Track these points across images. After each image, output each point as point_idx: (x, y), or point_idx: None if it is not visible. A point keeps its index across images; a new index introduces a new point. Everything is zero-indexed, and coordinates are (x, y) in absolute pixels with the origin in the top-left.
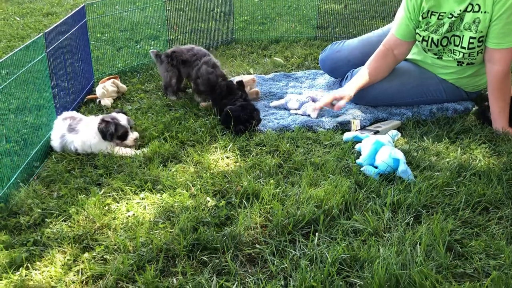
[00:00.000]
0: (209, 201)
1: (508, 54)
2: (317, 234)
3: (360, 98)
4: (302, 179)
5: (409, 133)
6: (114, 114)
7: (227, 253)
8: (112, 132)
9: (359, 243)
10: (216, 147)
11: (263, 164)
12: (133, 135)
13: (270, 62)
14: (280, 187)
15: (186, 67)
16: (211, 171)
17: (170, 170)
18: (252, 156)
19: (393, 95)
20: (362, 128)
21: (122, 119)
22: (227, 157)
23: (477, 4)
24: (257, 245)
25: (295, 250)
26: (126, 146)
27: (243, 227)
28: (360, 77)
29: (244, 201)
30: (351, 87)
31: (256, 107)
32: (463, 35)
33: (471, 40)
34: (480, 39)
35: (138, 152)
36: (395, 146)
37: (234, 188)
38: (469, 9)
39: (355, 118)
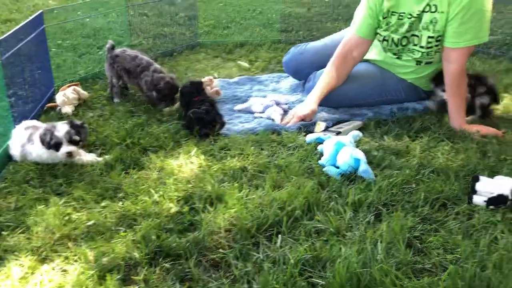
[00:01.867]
0: (172, 208)
1: (463, 53)
2: (280, 236)
3: (323, 101)
4: (266, 182)
5: (370, 133)
6: (58, 123)
7: (190, 259)
8: (48, 141)
9: (321, 243)
10: (179, 153)
11: (227, 168)
12: (66, 149)
13: (235, 66)
14: (244, 190)
15: (132, 78)
16: (175, 177)
17: (132, 177)
18: (217, 161)
19: (354, 96)
20: (325, 129)
21: (61, 130)
22: (191, 162)
23: (434, 5)
24: (220, 250)
25: (258, 253)
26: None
27: (207, 232)
28: (321, 86)
29: (207, 206)
30: (313, 99)
31: (220, 111)
32: (421, 35)
33: (429, 40)
34: (438, 39)
35: (99, 159)
36: (357, 146)
37: (198, 193)
38: (427, 9)
39: (320, 120)
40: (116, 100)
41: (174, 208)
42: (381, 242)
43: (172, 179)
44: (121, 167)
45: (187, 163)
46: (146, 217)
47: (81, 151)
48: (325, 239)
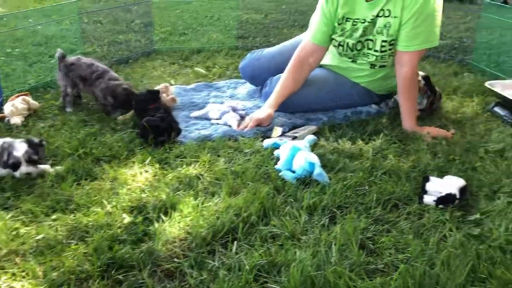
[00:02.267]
0: (125, 218)
1: (415, 57)
2: (235, 242)
3: (279, 106)
4: (222, 189)
5: (326, 137)
6: (15, 141)
7: (144, 270)
8: (5, 161)
9: (276, 248)
10: (134, 162)
11: (182, 176)
12: (25, 169)
13: (192, 73)
14: (199, 198)
15: (87, 86)
16: (128, 186)
17: (85, 188)
18: (172, 169)
19: (309, 101)
20: (282, 134)
21: (19, 149)
22: (146, 171)
23: (388, 10)
24: (175, 259)
25: (214, 261)
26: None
27: (161, 242)
28: (278, 92)
29: (162, 216)
30: (270, 104)
31: (176, 118)
32: (376, 39)
33: (383, 44)
34: (391, 43)
35: (50, 170)
36: (312, 150)
37: (152, 202)
38: (380, 14)
39: (276, 125)
40: (68, 109)
41: (127, 219)
42: (335, 244)
43: (126, 189)
44: (73, 178)
45: (142, 172)
46: (99, 228)
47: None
48: (280, 243)
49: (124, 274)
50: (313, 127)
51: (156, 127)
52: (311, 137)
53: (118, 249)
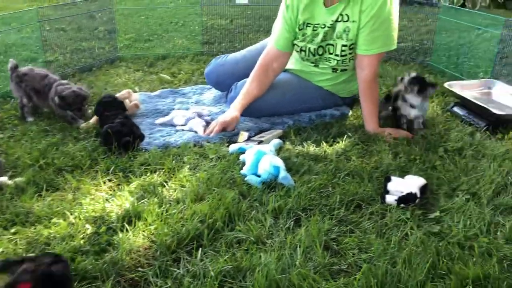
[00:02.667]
0: (88, 228)
1: (375, 60)
2: (200, 249)
3: (244, 111)
4: (187, 196)
5: (291, 140)
6: None
7: (108, 281)
8: None
9: (242, 253)
10: (97, 171)
11: (147, 184)
12: None
13: (157, 79)
14: (164, 206)
15: (41, 99)
16: (91, 196)
17: (46, 200)
18: (136, 177)
19: (274, 105)
20: (248, 139)
21: None
22: (109, 180)
23: (346, 14)
24: (139, 268)
25: (179, 269)
26: None
27: (125, 252)
28: (244, 95)
29: (126, 225)
30: (237, 107)
31: (137, 124)
32: (336, 44)
33: (343, 48)
34: (351, 47)
35: (8, 182)
36: (278, 154)
37: (115, 212)
38: (339, 19)
39: (243, 130)
40: (29, 119)
41: (90, 229)
42: (300, 247)
43: (89, 199)
44: (33, 190)
45: (105, 181)
46: (60, 240)
47: None
48: (246, 248)
49: (87, 286)
50: (278, 131)
51: (119, 132)
52: (277, 141)
53: (80, 261)
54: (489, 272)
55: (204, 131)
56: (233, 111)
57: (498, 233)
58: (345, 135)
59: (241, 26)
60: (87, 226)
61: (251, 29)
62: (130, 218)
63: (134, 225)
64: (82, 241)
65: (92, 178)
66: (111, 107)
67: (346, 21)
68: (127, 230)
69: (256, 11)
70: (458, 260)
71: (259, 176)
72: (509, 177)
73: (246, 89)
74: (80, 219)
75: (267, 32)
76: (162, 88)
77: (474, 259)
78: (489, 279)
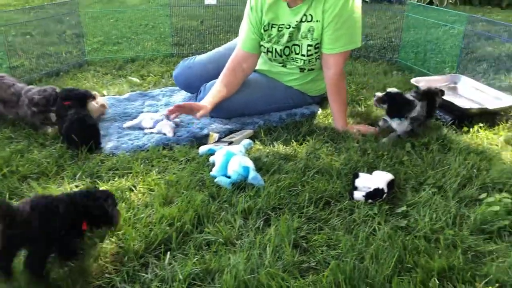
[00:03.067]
0: None
1: (340, 58)
2: (169, 253)
3: (214, 112)
4: (155, 199)
5: (261, 140)
6: None
7: None
8: None
9: (211, 255)
10: (63, 177)
11: (114, 189)
12: None
13: (126, 82)
14: (132, 210)
15: (8, 108)
16: None
17: None
18: (104, 182)
19: (243, 106)
20: (218, 140)
21: None
22: (76, 187)
23: (310, 15)
24: (107, 275)
25: (147, 273)
26: None
27: (92, 259)
28: (214, 93)
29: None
30: (207, 101)
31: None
32: (301, 44)
33: (309, 48)
34: (316, 46)
35: None
36: (248, 154)
37: None
38: (303, 19)
39: (213, 131)
40: None
41: None
42: (269, 246)
43: None
44: None
45: (72, 187)
46: None
47: None
48: (215, 250)
49: None
50: (249, 131)
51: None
52: (247, 141)
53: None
54: (454, 264)
55: (174, 133)
56: (205, 102)
57: (463, 225)
58: (315, 134)
59: (212, 27)
60: None
61: (222, 30)
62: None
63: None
64: None
65: (59, 184)
66: (69, 99)
67: (310, 21)
68: (94, 237)
69: (227, 12)
70: (424, 253)
71: (229, 177)
72: (474, 170)
73: (215, 89)
74: None
75: (237, 33)
76: (131, 91)
77: (439, 251)
78: (453, 270)
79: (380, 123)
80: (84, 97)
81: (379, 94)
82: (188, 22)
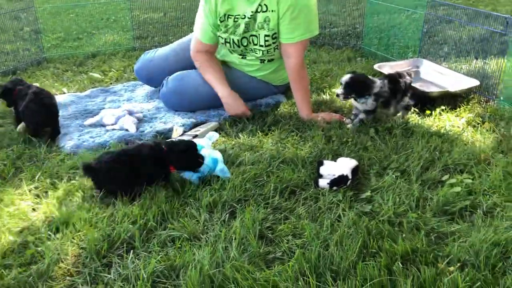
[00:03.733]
0: (12, 241)
1: (299, 47)
2: (132, 251)
3: (178, 105)
4: (117, 198)
5: (227, 132)
6: None
7: None
8: None
9: (175, 251)
10: (21, 179)
11: (75, 188)
12: None
13: (87, 79)
14: (93, 210)
15: None
16: (16, 207)
17: None
18: (64, 182)
19: (208, 98)
20: (183, 133)
21: None
22: (36, 188)
23: (265, 5)
24: (68, 277)
25: (110, 274)
26: None
27: (52, 261)
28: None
29: (53, 233)
30: (228, 91)
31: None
32: (259, 34)
33: (266, 38)
34: (274, 36)
35: None
36: (214, 147)
37: (42, 221)
38: (259, 9)
39: (177, 125)
40: None
41: (14, 241)
42: (235, 239)
43: (13, 209)
44: None
45: (31, 189)
46: None
47: None
48: (179, 246)
49: None
50: (214, 124)
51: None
52: (212, 133)
53: (3, 275)
54: (417, 246)
55: (137, 129)
56: (229, 93)
57: (427, 207)
58: (280, 123)
59: (175, 19)
60: (11, 238)
61: (186, 21)
62: (57, 226)
63: (62, 233)
64: (5, 255)
65: (17, 187)
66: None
67: (266, 11)
68: (54, 238)
69: (191, 2)
70: (388, 237)
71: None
72: (436, 152)
73: (220, 75)
74: (2, 231)
75: None
76: (93, 88)
77: (403, 235)
78: (417, 253)
79: (352, 116)
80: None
81: (338, 91)
82: (150, 15)
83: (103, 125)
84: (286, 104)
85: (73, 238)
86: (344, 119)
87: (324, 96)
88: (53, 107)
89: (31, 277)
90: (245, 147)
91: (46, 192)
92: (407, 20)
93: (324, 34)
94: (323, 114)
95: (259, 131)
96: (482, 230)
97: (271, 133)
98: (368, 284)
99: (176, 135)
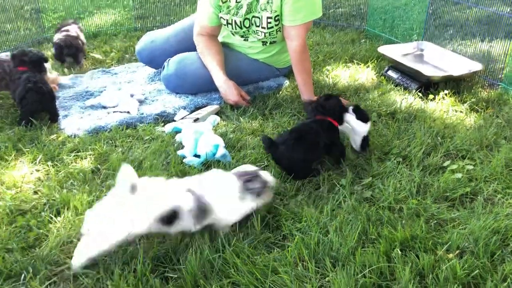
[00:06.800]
0: (14, 223)
1: (302, 30)
2: None
3: (179, 87)
4: None
5: (228, 116)
6: None
7: (37, 277)
8: None
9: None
10: (23, 162)
11: (77, 171)
12: None
13: (88, 59)
14: (95, 193)
15: None
16: (17, 189)
17: None
18: (65, 165)
19: (209, 80)
20: (183, 117)
21: None
22: (37, 170)
23: None
24: (69, 260)
25: (111, 258)
26: None
27: (55, 245)
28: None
29: (55, 216)
30: (224, 78)
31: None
32: (261, 16)
33: (269, 20)
34: (276, 18)
35: None
36: (215, 131)
37: (44, 203)
38: None
39: (179, 108)
40: None
41: (17, 224)
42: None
43: (15, 192)
44: None
45: (32, 172)
46: None
47: None
48: None
49: (13, 284)
50: (215, 107)
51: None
52: (213, 117)
53: (7, 258)
54: (417, 233)
55: (138, 111)
56: (223, 81)
57: (427, 193)
58: (282, 107)
59: None
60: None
61: (188, 1)
62: (59, 208)
63: (64, 216)
64: (7, 238)
65: (18, 169)
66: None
67: None
68: (56, 221)
69: None
70: (388, 224)
71: (198, 156)
72: (439, 138)
73: (210, 61)
74: (5, 214)
75: None
76: (93, 69)
77: (403, 221)
78: (416, 240)
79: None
80: (40, 60)
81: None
82: None
83: (104, 107)
84: (289, 87)
85: (74, 221)
86: (347, 102)
87: (327, 79)
88: (48, 94)
89: (33, 260)
90: (246, 131)
91: (47, 174)
92: (412, 1)
93: (328, 15)
94: None
95: (260, 115)
96: (482, 217)
97: (272, 116)
98: (367, 270)
99: (178, 118)
